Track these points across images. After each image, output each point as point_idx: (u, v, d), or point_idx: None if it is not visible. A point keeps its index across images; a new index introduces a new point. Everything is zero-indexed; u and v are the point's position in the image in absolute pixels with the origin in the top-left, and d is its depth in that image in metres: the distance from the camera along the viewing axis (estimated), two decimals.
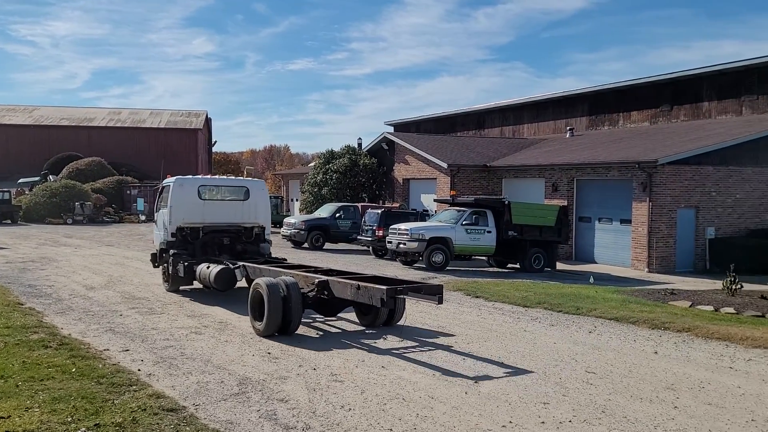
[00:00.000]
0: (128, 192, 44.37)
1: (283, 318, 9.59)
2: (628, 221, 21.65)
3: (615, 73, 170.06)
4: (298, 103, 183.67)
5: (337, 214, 26.32)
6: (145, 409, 6.31)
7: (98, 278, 16.11)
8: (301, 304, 9.74)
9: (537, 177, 26.06)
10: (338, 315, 11.26)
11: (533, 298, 13.83)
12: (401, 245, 20.06)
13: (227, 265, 12.57)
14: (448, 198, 23.68)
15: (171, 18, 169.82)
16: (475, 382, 7.61)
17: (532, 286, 16.01)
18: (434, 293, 8.89)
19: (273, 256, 14.83)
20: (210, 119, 61.80)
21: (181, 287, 14.06)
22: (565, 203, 23.29)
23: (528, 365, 8.47)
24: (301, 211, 36.21)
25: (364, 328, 10.73)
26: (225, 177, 17.26)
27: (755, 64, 25.65)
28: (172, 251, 13.57)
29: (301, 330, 10.24)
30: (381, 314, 10.51)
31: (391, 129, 45.43)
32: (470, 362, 8.60)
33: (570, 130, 33.09)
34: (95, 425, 5.82)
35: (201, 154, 55.39)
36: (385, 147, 33.52)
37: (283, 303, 9.54)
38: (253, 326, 10.03)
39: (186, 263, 13.18)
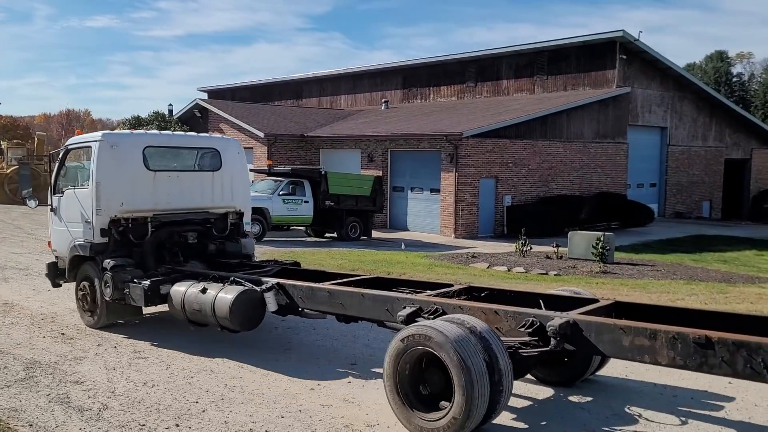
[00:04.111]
0: None
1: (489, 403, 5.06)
2: (438, 191, 22.96)
3: (428, 49, 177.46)
4: (99, 63, 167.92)
5: None
6: None
7: None
8: (512, 372, 5.24)
9: (353, 148, 26.59)
10: None
11: (348, 266, 14.18)
12: None
13: (245, 285, 7.28)
14: (265, 168, 23.34)
15: None
16: None
17: (347, 254, 16.42)
18: None
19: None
20: None
21: (117, 321, 8.67)
22: (380, 173, 24.08)
23: None
24: None
25: (549, 387, 6.49)
26: (182, 133, 10.18)
27: (546, 47, 28.29)
28: (107, 261, 8.09)
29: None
30: (593, 364, 6.45)
31: (205, 96, 43.45)
32: None
33: (385, 102, 34.14)
34: None
35: None
36: (198, 114, 32.05)
37: (489, 376, 5.02)
38: (405, 421, 5.27)
39: (149, 282, 7.69)
